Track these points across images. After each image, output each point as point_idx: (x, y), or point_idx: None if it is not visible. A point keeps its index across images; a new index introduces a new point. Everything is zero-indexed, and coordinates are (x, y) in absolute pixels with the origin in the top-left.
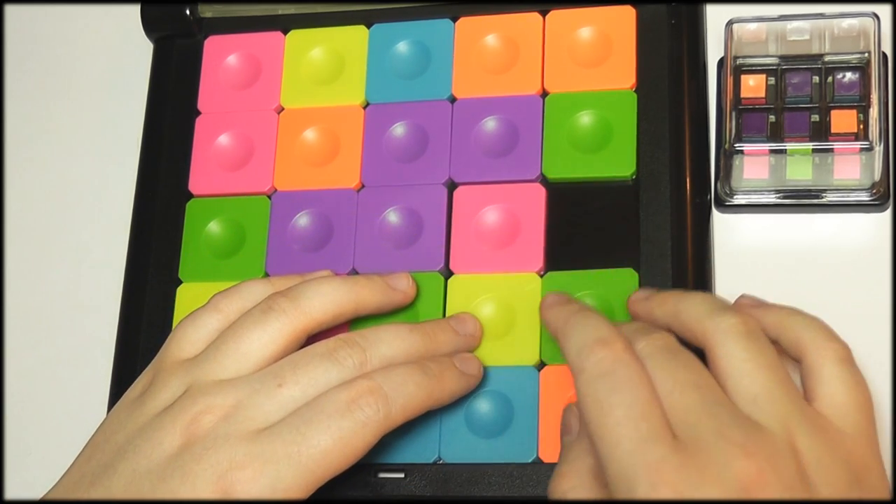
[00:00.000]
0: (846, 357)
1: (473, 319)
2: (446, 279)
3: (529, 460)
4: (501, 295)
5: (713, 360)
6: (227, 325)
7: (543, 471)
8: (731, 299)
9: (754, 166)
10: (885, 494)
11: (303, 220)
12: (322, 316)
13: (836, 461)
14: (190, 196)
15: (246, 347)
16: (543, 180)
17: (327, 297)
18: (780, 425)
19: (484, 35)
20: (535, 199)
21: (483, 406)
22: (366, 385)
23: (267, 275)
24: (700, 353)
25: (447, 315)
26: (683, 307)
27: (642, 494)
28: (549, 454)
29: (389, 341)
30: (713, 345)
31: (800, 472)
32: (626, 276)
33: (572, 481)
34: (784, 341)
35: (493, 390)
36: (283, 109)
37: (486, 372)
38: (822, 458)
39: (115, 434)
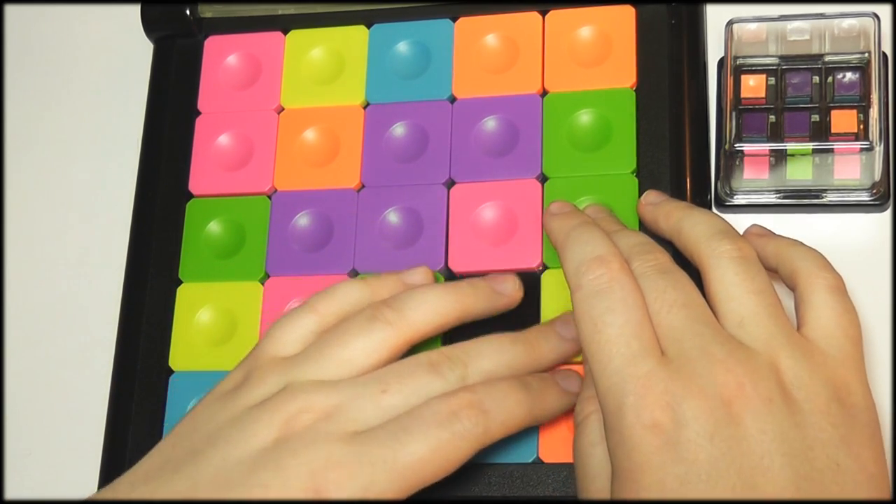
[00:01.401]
0: (837, 286)
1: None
2: (446, 279)
3: (529, 460)
4: None
5: (706, 282)
6: (324, 327)
7: (543, 471)
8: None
9: (754, 166)
10: (869, 411)
11: (303, 220)
12: (426, 328)
13: (817, 380)
14: (190, 196)
15: (349, 354)
16: (543, 179)
17: (432, 307)
18: (764, 346)
19: (484, 35)
20: (532, 196)
21: None
22: (467, 398)
23: (267, 275)
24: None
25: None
26: (686, 226)
27: (630, 404)
28: (549, 454)
29: (491, 355)
30: (707, 268)
31: (780, 387)
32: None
33: (594, 405)
34: (781, 270)
35: None
36: (283, 109)
37: None
38: (802, 377)
39: (205, 424)
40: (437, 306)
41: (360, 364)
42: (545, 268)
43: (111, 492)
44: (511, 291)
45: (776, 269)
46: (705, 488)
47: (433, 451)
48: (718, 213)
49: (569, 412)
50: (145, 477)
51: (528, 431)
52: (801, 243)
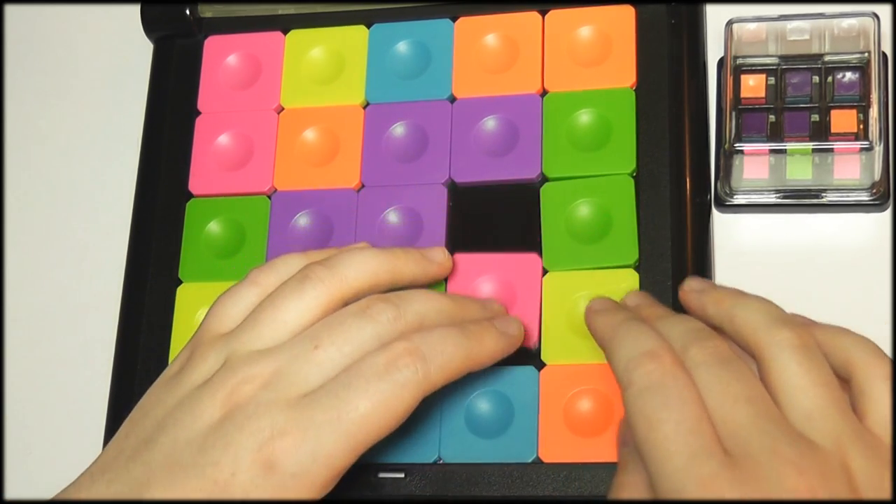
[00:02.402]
0: (890, 372)
1: (502, 307)
2: (446, 279)
3: (529, 460)
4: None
5: (767, 373)
6: (265, 297)
7: (543, 471)
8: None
9: (754, 166)
10: None
11: (303, 220)
12: (358, 283)
13: (888, 479)
14: (190, 196)
15: (283, 316)
16: (543, 179)
17: (364, 265)
18: (833, 443)
19: (483, 35)
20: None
21: (483, 406)
22: (403, 346)
23: None
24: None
25: None
26: (739, 313)
27: None
28: (548, 454)
29: (422, 300)
30: (769, 358)
31: (851, 489)
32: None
33: (631, 492)
34: (833, 359)
35: (493, 390)
36: (283, 109)
37: (485, 372)
38: (873, 476)
39: (153, 409)
40: (369, 264)
41: (294, 325)
42: (543, 364)
43: (74, 489)
44: (441, 259)
45: (826, 356)
46: None
47: (377, 404)
48: (718, 213)
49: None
50: (102, 469)
51: (529, 431)
52: (850, 330)
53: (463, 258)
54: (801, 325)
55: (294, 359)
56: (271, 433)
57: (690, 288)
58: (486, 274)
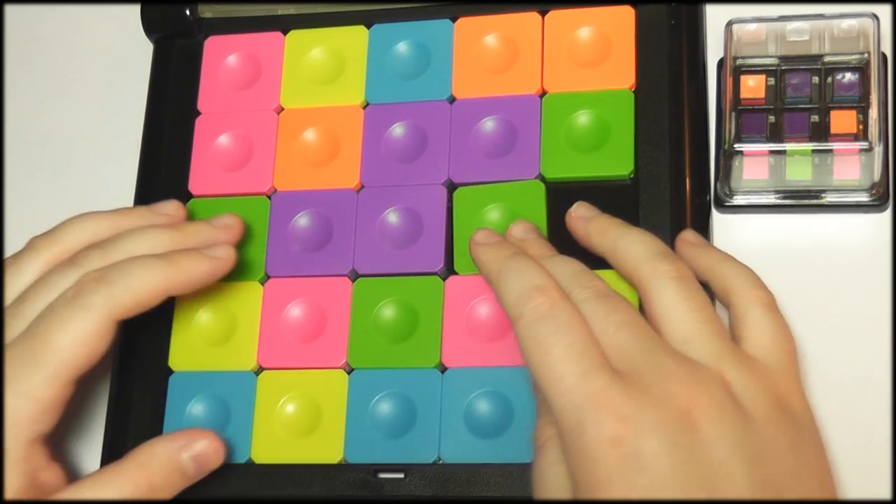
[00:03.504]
0: (770, 303)
1: (231, 215)
2: (444, 280)
3: (529, 460)
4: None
5: (647, 302)
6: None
7: None
8: (722, 316)
9: (754, 167)
10: (811, 420)
11: (303, 220)
12: (75, 244)
13: (761, 390)
14: (190, 196)
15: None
16: (541, 180)
17: (81, 225)
18: (711, 361)
19: (483, 35)
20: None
21: (482, 406)
22: (91, 275)
23: (267, 275)
24: None
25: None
26: (622, 245)
27: (589, 420)
28: None
29: (134, 239)
30: (649, 289)
31: (730, 397)
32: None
33: (550, 430)
34: (714, 286)
35: (492, 391)
36: (282, 109)
37: (483, 372)
38: (748, 388)
39: None
40: (87, 226)
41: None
42: None
43: None
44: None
45: (709, 282)
46: (671, 495)
47: (65, 332)
48: (717, 214)
49: None
50: None
51: (528, 431)
52: (733, 258)
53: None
54: (678, 259)
55: (8, 317)
56: None
57: (578, 214)
58: (485, 294)
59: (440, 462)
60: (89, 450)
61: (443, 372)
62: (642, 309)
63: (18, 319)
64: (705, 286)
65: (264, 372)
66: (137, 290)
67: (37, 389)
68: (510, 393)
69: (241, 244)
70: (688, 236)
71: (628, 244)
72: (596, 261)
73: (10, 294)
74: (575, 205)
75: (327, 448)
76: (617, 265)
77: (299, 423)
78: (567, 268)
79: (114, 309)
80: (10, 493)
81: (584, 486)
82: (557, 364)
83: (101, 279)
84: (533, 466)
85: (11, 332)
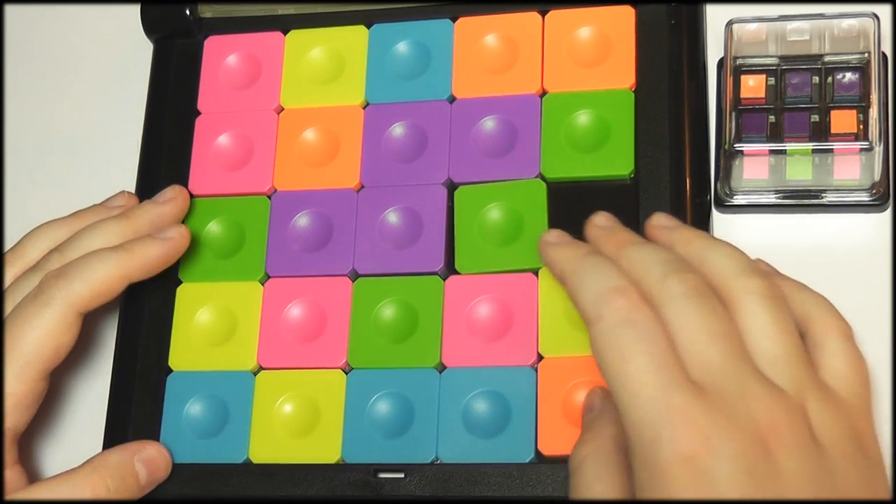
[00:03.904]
0: (849, 334)
1: (173, 187)
2: (444, 279)
3: (527, 460)
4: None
5: (735, 318)
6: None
7: (543, 471)
8: None
9: (754, 166)
10: (881, 458)
11: (303, 220)
12: (37, 253)
13: (841, 426)
14: (190, 196)
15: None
16: (542, 180)
17: (43, 232)
18: (794, 388)
19: (483, 35)
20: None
21: (480, 406)
22: (50, 274)
23: (267, 275)
24: None
25: (443, 311)
26: (710, 256)
27: (667, 437)
28: (548, 447)
29: (87, 236)
30: (738, 303)
31: (810, 431)
32: None
33: (592, 447)
34: (793, 312)
35: (490, 390)
36: (282, 109)
37: (481, 372)
38: (827, 422)
39: None
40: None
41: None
42: (540, 357)
43: None
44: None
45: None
46: None
47: (29, 327)
48: (718, 214)
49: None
50: None
51: (526, 431)
52: (808, 287)
53: (461, 279)
54: (770, 276)
55: None
56: None
57: (660, 223)
58: (484, 293)
59: (438, 462)
60: (89, 450)
61: (441, 372)
62: None
63: None
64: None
65: (262, 371)
66: (95, 281)
67: (7, 384)
68: (508, 393)
69: (191, 217)
70: (764, 267)
71: (718, 256)
72: None
73: None
74: (655, 214)
75: (325, 448)
76: (703, 276)
77: (297, 422)
78: (659, 255)
79: (74, 302)
80: None
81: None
82: (638, 374)
83: (59, 275)
84: (572, 488)
85: None
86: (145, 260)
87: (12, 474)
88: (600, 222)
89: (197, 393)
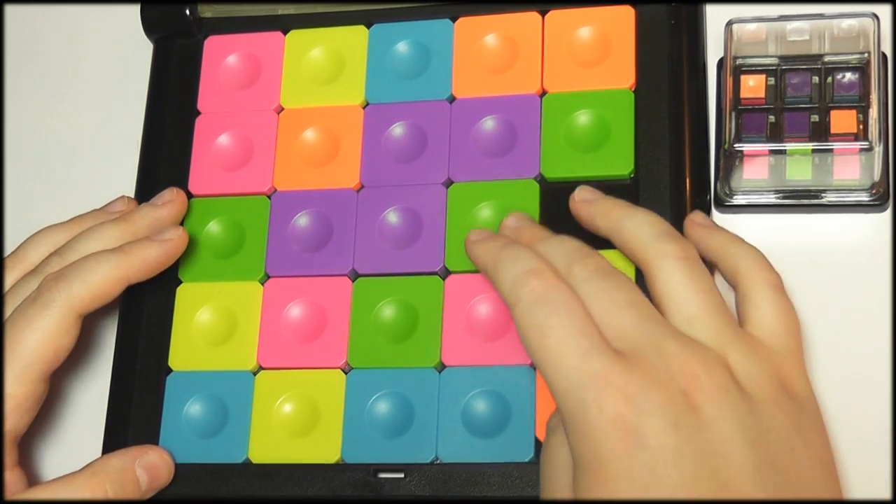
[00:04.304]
0: (777, 285)
1: (170, 190)
2: (444, 279)
3: (526, 459)
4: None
5: (652, 282)
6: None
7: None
8: (729, 297)
9: (754, 166)
10: (813, 403)
11: (302, 220)
12: (38, 257)
13: (764, 373)
14: (190, 196)
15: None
16: (541, 179)
17: (95, 278)
18: (713, 343)
19: (483, 35)
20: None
21: (480, 406)
22: (50, 276)
23: (267, 275)
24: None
25: (443, 311)
26: (627, 224)
27: (591, 400)
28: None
29: (85, 239)
30: (653, 269)
31: (732, 379)
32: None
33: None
34: (722, 266)
35: (489, 390)
36: (282, 109)
37: (481, 372)
38: (750, 370)
39: None
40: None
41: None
42: None
43: None
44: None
45: (716, 263)
46: (672, 472)
47: (29, 330)
48: (718, 214)
49: None
50: None
51: (526, 430)
52: (742, 240)
53: (461, 278)
54: (683, 239)
55: None
56: None
57: (581, 198)
58: (484, 293)
59: (438, 462)
60: (89, 449)
61: (441, 371)
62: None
63: None
64: (711, 268)
65: (262, 371)
66: (93, 283)
67: (8, 385)
68: (508, 392)
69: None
70: (696, 217)
71: (633, 224)
72: (600, 245)
73: None
74: (578, 189)
75: (325, 448)
76: (621, 245)
77: (297, 422)
78: (565, 246)
79: (74, 304)
80: None
81: (585, 466)
82: (557, 346)
83: (59, 278)
84: (542, 449)
85: None
86: (143, 261)
87: (12, 476)
88: (511, 223)
89: (197, 393)
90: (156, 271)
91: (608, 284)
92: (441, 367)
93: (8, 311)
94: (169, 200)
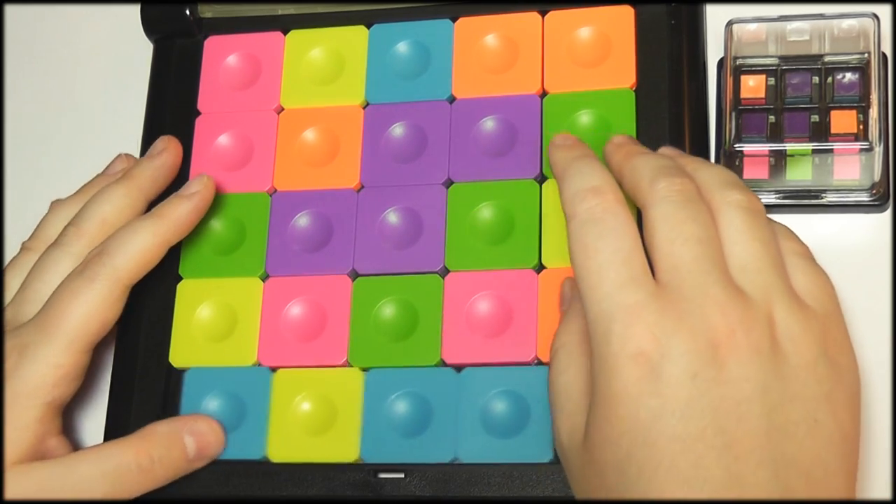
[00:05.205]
0: (809, 255)
1: (161, 139)
2: (443, 277)
3: (546, 460)
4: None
5: (715, 225)
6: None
7: (543, 471)
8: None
9: (754, 167)
10: (853, 373)
11: (303, 220)
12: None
13: (808, 335)
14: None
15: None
16: (542, 179)
17: (135, 248)
18: (762, 295)
19: (483, 35)
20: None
21: (499, 406)
22: (93, 252)
23: (267, 275)
24: None
25: (443, 309)
26: (701, 172)
27: (617, 332)
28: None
29: (97, 203)
30: (719, 213)
31: (771, 339)
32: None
33: (563, 339)
34: None
35: (507, 390)
36: (282, 109)
37: (500, 372)
38: (794, 329)
39: None
40: (138, 248)
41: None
42: (542, 267)
43: None
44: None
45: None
46: (676, 424)
47: (77, 303)
48: None
49: None
50: None
51: (545, 430)
52: (770, 217)
53: (460, 276)
54: (752, 193)
55: (14, 305)
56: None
57: (664, 153)
58: (484, 290)
59: (457, 462)
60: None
61: (459, 371)
62: None
63: (27, 304)
64: None
65: (280, 370)
66: (136, 253)
67: (56, 356)
68: (526, 393)
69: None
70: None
71: (708, 171)
72: None
73: (13, 289)
74: (661, 147)
75: (343, 447)
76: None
77: (315, 421)
78: (659, 161)
79: (120, 276)
80: (17, 449)
81: (598, 397)
82: (599, 269)
83: (102, 252)
84: (549, 374)
85: (25, 316)
86: (178, 221)
87: (58, 443)
88: (617, 140)
89: (214, 390)
90: (191, 227)
91: (683, 213)
92: (443, 364)
93: (40, 284)
94: (164, 149)
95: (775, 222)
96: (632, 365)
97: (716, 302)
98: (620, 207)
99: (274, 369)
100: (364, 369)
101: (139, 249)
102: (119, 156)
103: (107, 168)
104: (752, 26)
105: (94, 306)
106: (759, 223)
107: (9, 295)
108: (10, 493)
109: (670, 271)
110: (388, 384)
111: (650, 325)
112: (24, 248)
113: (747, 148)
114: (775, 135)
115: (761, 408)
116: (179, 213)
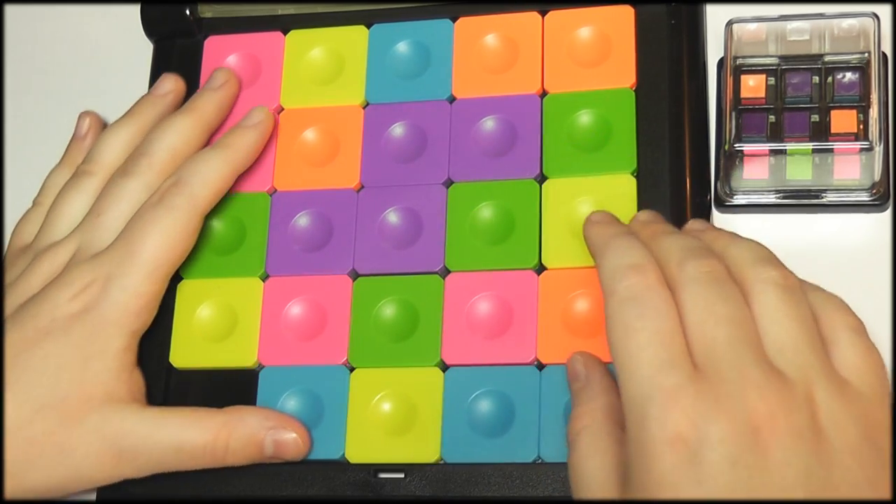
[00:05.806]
0: (861, 329)
1: (217, 71)
2: (443, 277)
3: (531, 460)
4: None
5: (750, 306)
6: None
7: (543, 471)
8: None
9: (754, 166)
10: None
11: (303, 220)
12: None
13: (850, 418)
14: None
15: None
16: (542, 179)
17: (210, 178)
18: (801, 376)
19: (483, 35)
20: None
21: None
22: (168, 182)
23: (267, 275)
24: None
25: (443, 309)
26: (732, 249)
27: (654, 416)
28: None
29: (162, 134)
30: (754, 291)
31: (812, 421)
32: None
33: (586, 420)
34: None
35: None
36: (282, 109)
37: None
38: (836, 412)
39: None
40: (213, 176)
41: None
42: (542, 268)
43: None
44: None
45: None
46: None
47: (156, 232)
48: (718, 214)
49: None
50: None
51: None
52: (821, 287)
53: (460, 276)
54: (786, 268)
55: (85, 232)
56: (81, 287)
57: (694, 228)
58: (484, 291)
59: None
60: None
61: (541, 370)
62: None
63: (101, 231)
64: None
65: (357, 370)
66: (211, 181)
67: (139, 284)
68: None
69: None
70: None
71: (739, 248)
72: None
73: (75, 214)
74: (691, 221)
75: (423, 447)
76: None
77: (394, 421)
78: (684, 242)
79: (198, 204)
80: (105, 379)
81: (635, 482)
82: (636, 350)
83: (178, 182)
84: (568, 461)
85: (101, 243)
86: (247, 150)
87: (135, 376)
88: (642, 216)
89: (291, 388)
90: (256, 157)
91: (714, 293)
92: (444, 364)
93: (113, 212)
94: (225, 81)
95: (828, 293)
96: (670, 451)
97: (754, 384)
98: (661, 286)
99: (352, 368)
100: (444, 368)
101: (215, 179)
102: (165, 75)
103: (154, 88)
104: (752, 26)
105: (173, 236)
106: (794, 300)
107: (69, 213)
108: (90, 427)
109: (705, 354)
110: (468, 383)
111: (686, 408)
112: (81, 171)
113: (747, 148)
114: (775, 134)
115: (805, 493)
116: (247, 142)
